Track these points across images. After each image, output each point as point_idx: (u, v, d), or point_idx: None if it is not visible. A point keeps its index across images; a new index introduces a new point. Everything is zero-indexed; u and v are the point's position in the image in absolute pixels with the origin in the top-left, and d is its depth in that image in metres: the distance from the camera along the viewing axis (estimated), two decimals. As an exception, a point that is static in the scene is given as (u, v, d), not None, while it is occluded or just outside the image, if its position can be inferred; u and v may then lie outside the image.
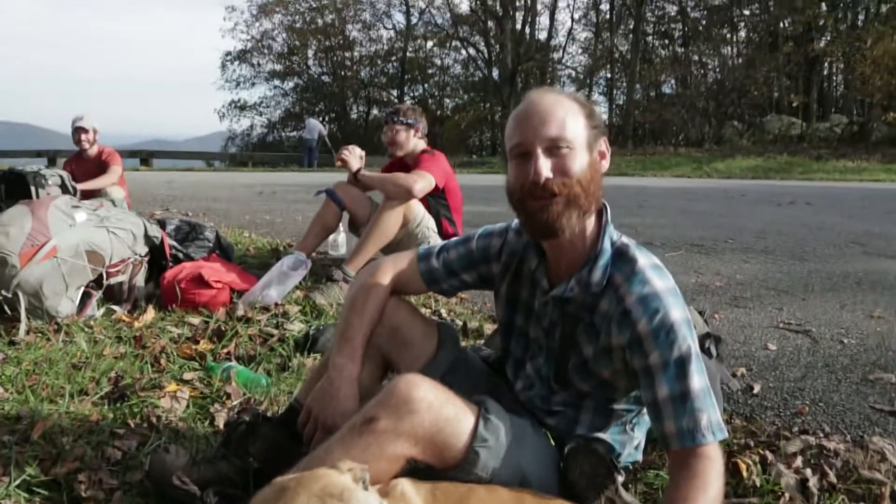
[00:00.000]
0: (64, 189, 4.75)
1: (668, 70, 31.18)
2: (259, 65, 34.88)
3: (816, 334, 2.87)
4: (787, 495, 1.58)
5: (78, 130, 5.31)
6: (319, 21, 33.93)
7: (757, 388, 2.26)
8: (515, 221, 1.50)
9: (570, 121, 1.31)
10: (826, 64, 29.35)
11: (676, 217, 7.20)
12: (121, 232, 3.17)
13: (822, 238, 5.65)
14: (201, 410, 2.02)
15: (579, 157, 1.31)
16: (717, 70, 31.57)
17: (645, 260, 1.35)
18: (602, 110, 33.45)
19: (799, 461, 1.72)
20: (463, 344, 1.89)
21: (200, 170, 19.68)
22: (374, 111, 35.41)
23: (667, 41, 32.87)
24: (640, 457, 1.58)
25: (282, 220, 6.13)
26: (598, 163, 1.37)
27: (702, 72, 31.57)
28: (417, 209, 3.51)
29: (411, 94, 35.07)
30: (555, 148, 1.30)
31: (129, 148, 23.43)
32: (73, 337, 2.61)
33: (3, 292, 2.74)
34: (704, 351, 1.82)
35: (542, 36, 33.13)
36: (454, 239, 1.67)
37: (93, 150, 5.39)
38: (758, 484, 1.63)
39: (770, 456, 1.74)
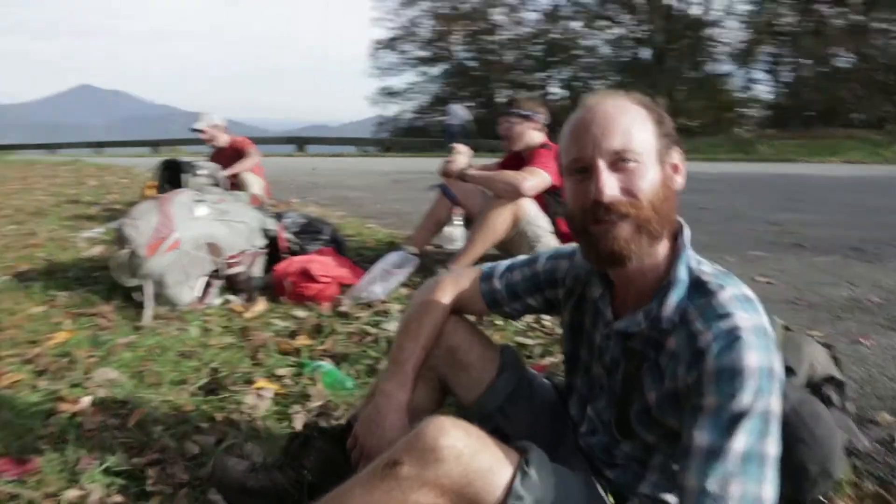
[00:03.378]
0: (212, 180, 5.14)
1: (842, 42, 27.99)
2: (406, 52, 35.76)
3: None
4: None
5: (195, 132, 5.78)
6: (464, 6, 34.09)
7: (902, 442, 1.88)
8: None
9: (638, 129, 1.14)
10: None
11: (836, 213, 6.40)
12: (239, 225, 3.35)
13: None
14: (282, 410, 2.07)
15: (650, 171, 1.13)
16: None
17: (730, 291, 1.12)
18: (764, 90, 30.88)
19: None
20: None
21: (349, 155, 20.57)
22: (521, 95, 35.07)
23: (843, 8, 29.51)
24: None
25: (409, 209, 6.21)
26: (672, 178, 1.18)
27: (885, 42, 28.03)
28: (528, 208, 3.38)
29: (557, 77, 34.39)
30: (620, 161, 1.12)
31: (288, 135, 24.91)
32: (187, 325, 2.79)
33: (133, 281, 2.99)
34: (823, 399, 1.56)
35: (695, 11, 31.02)
36: (522, 258, 1.55)
37: (222, 142, 5.77)
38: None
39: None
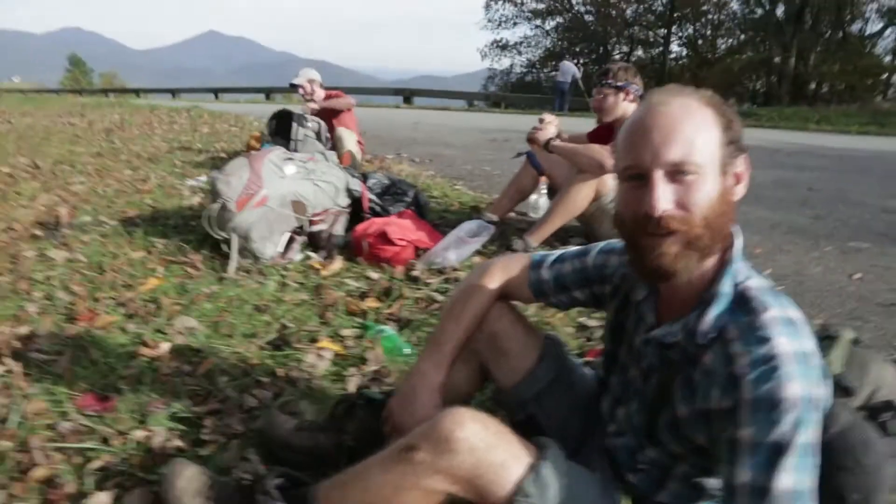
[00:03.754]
0: (318, 135, 5.31)
1: None
2: (522, 3, 34.93)
3: None
4: None
5: (293, 87, 5.92)
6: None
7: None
8: None
9: (702, 138, 1.05)
10: None
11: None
12: (324, 185, 3.45)
13: None
14: (339, 371, 2.15)
15: (708, 184, 1.05)
16: None
17: (775, 312, 1.05)
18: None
19: None
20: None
21: (456, 109, 20.50)
22: (639, 52, 33.61)
23: None
24: None
25: (499, 172, 6.17)
26: (731, 190, 1.09)
27: None
28: (612, 183, 3.27)
29: (679, 35, 32.57)
30: (678, 173, 1.05)
31: (396, 86, 25.11)
32: (266, 280, 2.93)
33: (222, 233, 3.16)
34: (879, 425, 1.44)
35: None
36: (574, 249, 1.51)
37: (319, 96, 5.90)
38: None
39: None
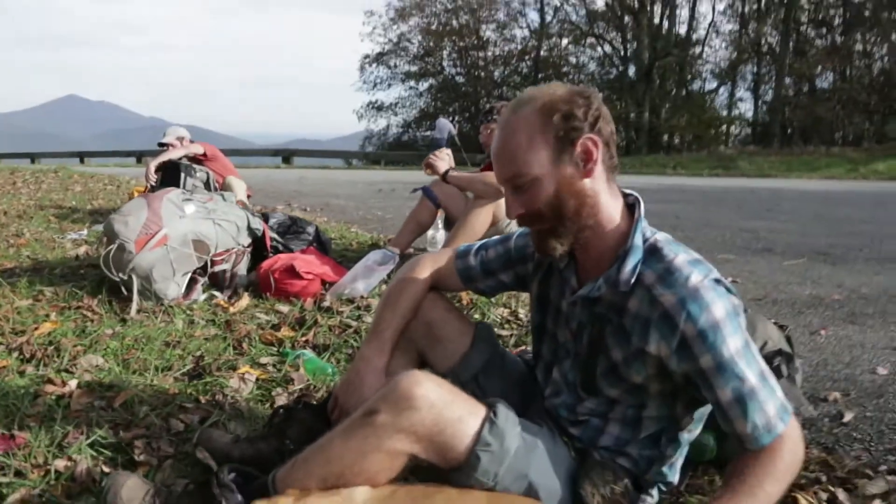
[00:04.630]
0: (206, 184, 5.22)
1: (824, 62, 28.57)
2: (395, 66, 36.08)
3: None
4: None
5: (162, 146, 5.78)
6: (454, 22, 34.51)
7: (848, 417, 2.01)
8: None
9: (524, 150, 1.23)
10: None
11: (808, 222, 6.62)
12: (226, 224, 3.41)
13: None
14: (265, 393, 2.14)
15: (544, 185, 1.24)
16: (886, 60, 28.47)
17: (683, 256, 1.25)
18: (747, 108, 31.46)
19: (877, 505, 1.52)
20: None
21: (336, 168, 20.62)
22: (508, 111, 35.37)
23: (824, 30, 30.14)
24: (674, 478, 1.43)
25: (392, 216, 6.31)
26: (574, 176, 1.24)
27: (865, 62, 28.63)
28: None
29: (544, 93, 34.75)
30: (516, 185, 1.27)
31: (274, 147, 24.90)
32: (173, 318, 2.85)
33: (120, 275, 3.04)
34: (774, 369, 1.67)
35: (682, 30, 31.61)
36: (496, 238, 1.65)
37: (193, 151, 5.78)
38: (818, 524, 1.46)
39: (842, 495, 1.55)
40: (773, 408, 1.19)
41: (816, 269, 4.20)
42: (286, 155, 22.67)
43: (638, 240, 1.28)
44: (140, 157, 24.16)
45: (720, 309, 1.18)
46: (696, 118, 29.51)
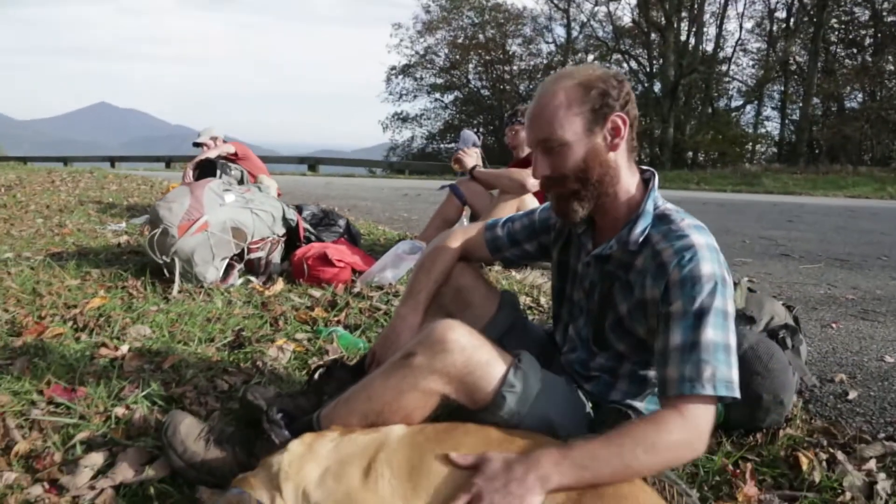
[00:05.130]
0: (240, 182, 5.43)
1: (853, 81, 28.35)
2: (421, 78, 36.48)
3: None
4: (848, 495, 1.50)
5: (197, 145, 6.09)
6: (481, 36, 34.84)
7: (853, 395, 2.12)
8: None
9: (560, 116, 1.35)
10: None
11: (828, 233, 6.65)
12: (262, 213, 3.58)
13: None
14: (301, 363, 2.28)
15: (574, 151, 1.36)
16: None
17: (689, 221, 1.37)
18: (774, 126, 31.22)
19: (873, 465, 1.62)
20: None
21: (361, 176, 20.89)
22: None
23: (854, 50, 29.94)
24: None
25: (418, 217, 6.46)
26: (601, 148, 1.37)
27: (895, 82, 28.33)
28: (531, 203, 3.62)
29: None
30: (548, 147, 1.38)
31: (299, 155, 25.25)
32: (212, 298, 3.02)
33: (164, 257, 3.22)
34: (778, 341, 1.78)
35: (709, 47, 31.59)
36: (521, 212, 1.78)
37: (226, 151, 6.03)
38: (817, 480, 1.56)
39: (841, 456, 1.65)
40: (710, 370, 1.21)
41: (833, 273, 4.27)
42: (311, 163, 22.98)
43: (649, 206, 1.41)
44: (169, 162, 24.66)
45: (707, 267, 1.28)
46: (721, 135, 29.40)
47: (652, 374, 1.46)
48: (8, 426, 1.71)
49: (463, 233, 1.77)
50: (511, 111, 4.07)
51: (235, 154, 5.93)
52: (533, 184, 3.46)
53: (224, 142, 6.15)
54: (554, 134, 1.36)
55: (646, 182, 1.47)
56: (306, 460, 1.27)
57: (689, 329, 1.25)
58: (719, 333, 1.25)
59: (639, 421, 1.26)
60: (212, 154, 5.81)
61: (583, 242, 1.54)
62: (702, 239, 1.32)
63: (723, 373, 1.23)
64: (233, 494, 1.21)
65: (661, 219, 1.40)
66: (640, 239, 1.38)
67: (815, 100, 28.41)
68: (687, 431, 1.21)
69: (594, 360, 1.52)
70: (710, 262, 1.29)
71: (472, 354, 1.33)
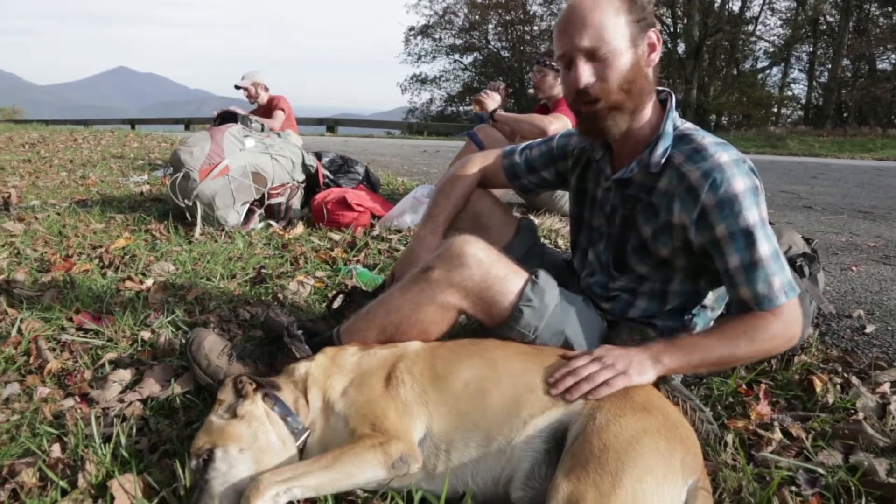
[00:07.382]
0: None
1: (887, 41, 27.41)
2: (440, 39, 35.95)
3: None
4: (860, 415, 1.51)
5: (238, 88, 6.22)
6: (501, -5, 34.17)
7: (870, 329, 2.12)
8: None
9: (609, 23, 1.31)
10: None
11: (852, 188, 6.55)
12: (282, 159, 3.60)
13: None
14: (321, 296, 2.31)
15: (621, 59, 1.32)
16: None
17: (709, 139, 1.35)
18: (800, 89, 30.48)
19: (887, 388, 1.63)
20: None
21: (379, 137, 20.81)
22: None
23: (889, 8, 28.88)
24: None
25: (436, 171, 6.46)
26: (646, 58, 1.36)
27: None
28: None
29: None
30: (594, 54, 1.32)
31: (318, 116, 25.18)
32: (234, 240, 3.06)
33: (186, 201, 3.26)
34: (797, 269, 1.77)
35: (735, 6, 30.69)
36: (539, 139, 1.78)
37: (263, 100, 6.16)
38: (830, 401, 1.57)
39: (856, 381, 1.66)
40: (778, 281, 1.27)
41: (855, 224, 4.22)
42: (330, 124, 22.90)
43: (669, 127, 1.39)
44: (188, 124, 24.71)
45: (740, 183, 1.27)
46: (745, 98, 28.74)
47: (672, 288, 1.46)
48: (40, 347, 1.78)
49: (481, 159, 1.77)
50: (544, 52, 4.00)
51: (283, 110, 6.09)
52: (555, 129, 3.43)
53: (266, 90, 6.26)
54: (603, 40, 1.31)
55: (662, 103, 1.45)
56: (331, 371, 1.30)
57: (744, 249, 1.27)
58: (770, 244, 1.28)
59: (737, 318, 1.31)
60: (262, 100, 6.08)
61: (601, 168, 1.53)
62: (726, 155, 1.30)
63: (786, 277, 1.29)
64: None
65: (682, 139, 1.38)
66: (662, 160, 1.36)
67: (846, 61, 27.60)
68: (782, 327, 1.29)
69: (614, 281, 1.52)
70: (740, 176, 1.28)
71: (490, 268, 1.34)
